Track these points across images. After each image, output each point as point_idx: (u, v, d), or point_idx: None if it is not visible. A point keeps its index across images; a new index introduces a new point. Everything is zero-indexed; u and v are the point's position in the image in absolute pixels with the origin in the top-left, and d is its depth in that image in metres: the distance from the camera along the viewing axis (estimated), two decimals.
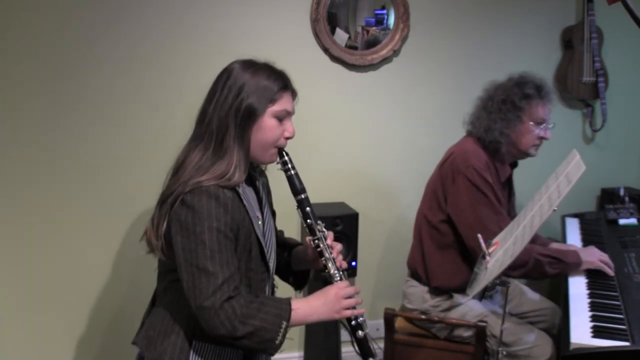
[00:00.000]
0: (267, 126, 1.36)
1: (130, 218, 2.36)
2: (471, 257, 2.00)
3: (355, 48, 2.53)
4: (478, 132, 2.04)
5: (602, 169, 2.92)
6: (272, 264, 1.49)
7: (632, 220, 2.50)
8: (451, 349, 2.11)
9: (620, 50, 2.84)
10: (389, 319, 2.09)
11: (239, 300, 1.27)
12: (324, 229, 1.47)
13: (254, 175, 1.53)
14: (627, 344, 1.55)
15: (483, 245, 1.61)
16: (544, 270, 1.93)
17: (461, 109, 2.72)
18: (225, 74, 1.37)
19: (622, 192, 2.65)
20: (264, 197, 1.53)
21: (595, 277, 1.99)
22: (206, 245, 1.26)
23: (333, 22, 2.49)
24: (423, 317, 2.13)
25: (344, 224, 2.38)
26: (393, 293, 2.75)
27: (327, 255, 1.44)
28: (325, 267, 1.45)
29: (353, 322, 1.43)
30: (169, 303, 1.41)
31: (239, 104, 1.32)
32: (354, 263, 2.44)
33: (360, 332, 1.43)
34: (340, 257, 1.49)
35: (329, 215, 2.37)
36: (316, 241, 1.45)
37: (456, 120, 2.73)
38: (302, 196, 1.46)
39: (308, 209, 1.46)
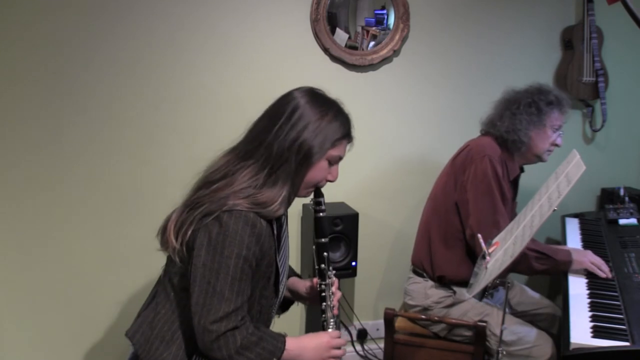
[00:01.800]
0: (319, 168, 1.39)
1: (132, 219, 2.36)
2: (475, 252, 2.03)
3: (355, 48, 2.53)
4: (499, 131, 2.09)
5: (602, 169, 2.92)
6: (282, 288, 1.52)
7: (632, 220, 2.50)
8: (451, 349, 2.11)
9: (620, 50, 2.84)
10: (389, 319, 2.10)
11: (242, 331, 1.29)
12: (333, 277, 1.52)
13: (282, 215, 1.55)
14: (627, 344, 1.55)
15: (483, 245, 1.62)
16: (530, 264, 1.97)
17: (461, 108, 2.73)
18: (292, 104, 1.36)
19: (622, 192, 2.65)
20: (285, 227, 1.55)
21: (595, 277, 1.99)
22: (229, 271, 1.27)
23: (333, 22, 2.49)
24: (423, 317, 2.13)
25: (344, 224, 2.38)
26: (393, 293, 2.75)
27: (328, 302, 1.50)
28: (324, 312, 1.51)
29: None
30: (176, 310, 1.41)
31: (302, 142, 1.33)
32: (354, 263, 2.44)
33: None
34: (337, 305, 1.55)
35: (329, 215, 2.36)
36: (323, 286, 1.51)
37: (456, 119, 2.74)
38: (323, 240, 1.50)
39: (325, 254, 1.50)
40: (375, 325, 2.79)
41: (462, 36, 2.67)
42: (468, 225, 2.03)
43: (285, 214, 1.54)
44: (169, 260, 1.44)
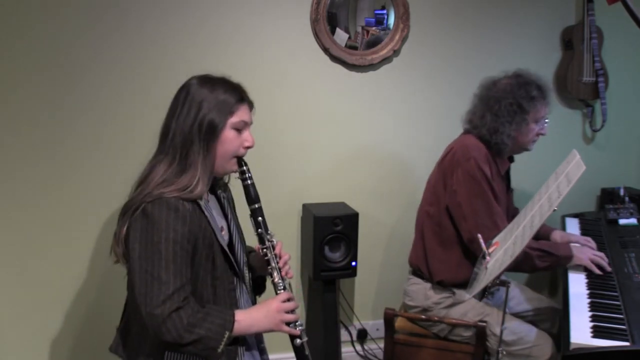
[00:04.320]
0: (227, 138, 1.43)
1: None
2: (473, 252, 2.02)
3: (355, 48, 2.53)
4: (481, 131, 2.06)
5: (602, 169, 2.92)
6: (244, 272, 1.56)
7: (632, 220, 2.50)
8: (451, 349, 2.11)
9: (620, 50, 2.84)
10: (389, 319, 2.10)
11: (187, 310, 1.33)
12: (273, 239, 1.54)
13: (216, 189, 1.58)
14: (627, 344, 1.55)
15: (483, 245, 1.62)
16: (533, 263, 1.97)
17: (461, 108, 2.72)
18: (184, 91, 1.44)
19: (622, 192, 2.65)
20: (228, 209, 1.59)
21: (595, 277, 1.99)
22: (162, 255, 1.32)
23: (333, 22, 2.49)
24: (423, 317, 2.13)
25: (344, 224, 2.38)
26: (393, 293, 2.75)
27: (273, 264, 1.53)
28: (271, 275, 1.53)
29: (293, 334, 1.49)
30: (140, 319, 1.41)
31: (201, 120, 1.39)
32: (354, 263, 2.44)
33: (297, 341, 1.50)
34: (287, 267, 1.57)
35: (329, 215, 2.37)
36: (264, 250, 1.53)
37: (456, 119, 2.73)
38: (256, 205, 1.52)
39: (260, 218, 1.53)
40: (375, 325, 2.79)
41: (462, 36, 2.67)
42: (465, 229, 2.01)
43: (226, 196, 1.60)
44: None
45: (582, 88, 2.77)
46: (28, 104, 2.21)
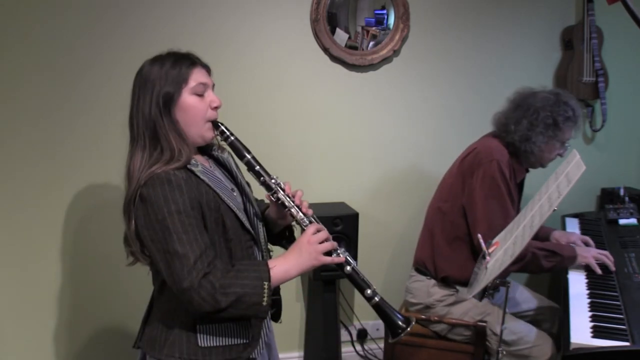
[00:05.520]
0: (188, 105, 1.38)
1: None
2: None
3: (355, 48, 2.53)
4: (512, 138, 2.06)
5: (602, 169, 2.92)
6: (259, 230, 1.50)
7: (632, 220, 2.50)
8: (451, 348, 2.11)
9: (620, 50, 2.84)
10: None
11: (216, 273, 1.28)
12: (279, 182, 1.48)
13: (211, 152, 1.54)
14: (627, 344, 1.55)
15: (483, 245, 1.62)
16: (540, 263, 1.98)
17: (461, 108, 2.73)
18: (138, 76, 1.41)
19: (622, 192, 2.66)
20: (234, 169, 1.55)
21: (595, 277, 1.99)
22: (170, 230, 1.28)
23: (333, 22, 2.49)
24: (423, 317, 2.13)
25: (344, 224, 2.38)
26: (393, 293, 2.74)
27: (288, 204, 1.45)
28: (292, 216, 1.45)
29: (337, 262, 1.42)
30: (165, 301, 1.42)
31: (157, 97, 1.36)
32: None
33: (348, 268, 1.43)
34: (305, 203, 1.49)
35: (329, 215, 2.37)
36: (274, 195, 1.46)
37: (456, 119, 2.74)
38: (248, 156, 1.46)
39: (257, 167, 1.46)
40: (375, 325, 2.79)
41: (462, 36, 2.67)
42: (478, 229, 1.98)
43: (226, 158, 1.54)
44: (150, 265, 1.45)
45: (582, 88, 2.77)
46: (28, 104, 2.22)
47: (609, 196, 2.79)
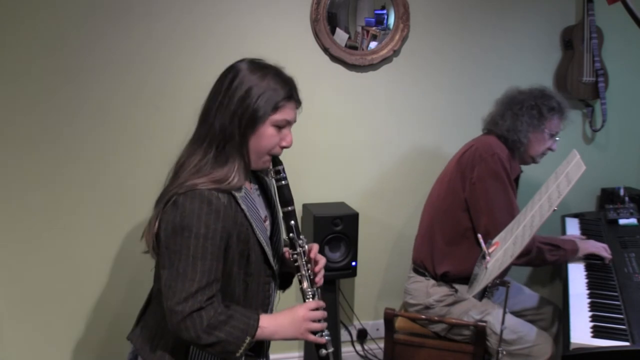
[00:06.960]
0: (265, 134, 1.35)
1: (131, 219, 2.36)
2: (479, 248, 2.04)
3: (355, 48, 2.53)
4: (500, 130, 2.13)
5: (602, 169, 2.92)
6: (274, 263, 1.48)
7: (632, 220, 2.50)
8: (451, 348, 2.11)
9: (620, 50, 2.84)
10: (389, 319, 2.10)
11: (209, 311, 1.27)
12: (305, 245, 1.46)
13: (261, 175, 1.52)
14: (627, 344, 1.55)
15: (483, 245, 1.62)
16: (544, 257, 2.04)
17: (461, 108, 2.73)
18: (232, 74, 1.34)
19: (622, 192, 2.66)
20: (274, 197, 1.51)
21: (595, 277, 1.99)
22: (190, 250, 1.26)
23: (333, 22, 2.49)
24: (423, 317, 2.13)
25: (344, 224, 2.38)
26: (393, 293, 2.75)
27: (302, 272, 1.45)
28: (300, 282, 1.46)
29: (318, 342, 1.43)
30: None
31: (244, 109, 1.31)
32: (354, 263, 2.44)
33: (323, 351, 1.44)
34: (321, 274, 1.49)
35: (329, 215, 2.37)
36: (295, 256, 1.45)
37: (456, 119, 2.73)
38: (290, 208, 1.44)
39: (292, 222, 1.44)
40: (375, 325, 2.79)
41: (462, 36, 2.66)
42: (482, 224, 2.04)
43: (268, 182, 1.52)
44: (156, 261, 1.44)
45: (582, 88, 2.77)
46: (28, 104, 2.21)
47: (609, 196, 2.79)
